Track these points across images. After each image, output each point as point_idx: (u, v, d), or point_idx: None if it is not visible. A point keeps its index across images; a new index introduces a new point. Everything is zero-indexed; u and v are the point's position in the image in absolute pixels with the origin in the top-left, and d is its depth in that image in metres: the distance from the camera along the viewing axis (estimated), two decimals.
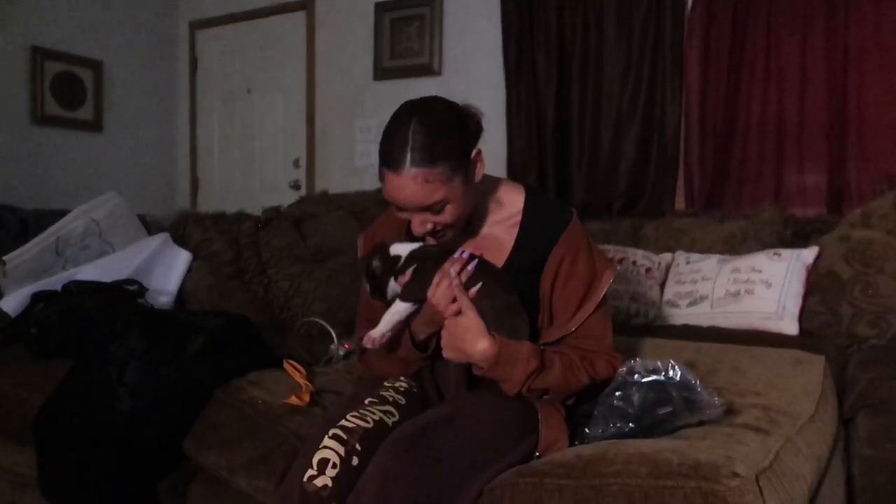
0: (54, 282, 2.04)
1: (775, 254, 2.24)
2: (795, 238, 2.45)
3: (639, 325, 2.33)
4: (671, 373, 1.23)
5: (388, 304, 1.29)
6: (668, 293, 2.42)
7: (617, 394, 1.25)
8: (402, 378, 1.35)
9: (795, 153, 2.85)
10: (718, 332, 2.11)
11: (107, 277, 2.04)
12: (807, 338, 2.04)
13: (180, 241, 2.40)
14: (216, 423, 1.44)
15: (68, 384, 1.57)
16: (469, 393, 1.29)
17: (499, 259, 1.32)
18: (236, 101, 4.47)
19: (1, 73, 3.70)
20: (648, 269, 2.49)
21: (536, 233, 1.34)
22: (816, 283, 2.15)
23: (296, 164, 4.24)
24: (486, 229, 1.37)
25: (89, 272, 2.11)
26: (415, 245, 1.29)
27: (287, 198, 3.72)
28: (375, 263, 1.27)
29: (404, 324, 1.29)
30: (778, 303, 2.12)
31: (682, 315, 2.33)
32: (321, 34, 4.08)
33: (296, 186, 4.20)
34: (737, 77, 2.92)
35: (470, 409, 1.19)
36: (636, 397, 1.24)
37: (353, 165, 3.99)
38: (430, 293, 1.22)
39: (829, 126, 2.76)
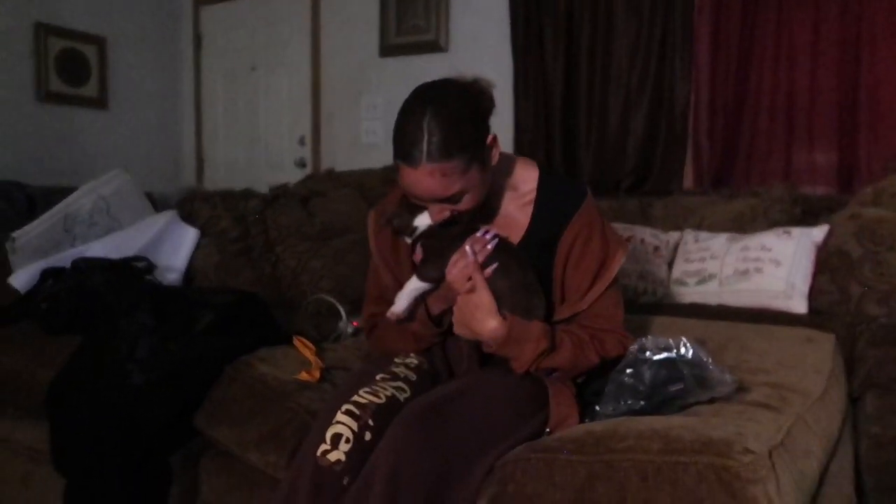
0: (63, 258, 2.04)
1: (785, 232, 2.23)
2: (805, 216, 2.43)
3: (647, 303, 2.33)
4: (682, 350, 1.23)
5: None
6: (677, 271, 2.41)
7: (628, 371, 1.25)
8: (412, 354, 1.35)
9: (806, 131, 2.82)
10: (727, 311, 2.11)
11: (115, 254, 2.05)
12: (816, 316, 2.04)
13: (187, 218, 2.39)
14: (226, 398, 1.44)
15: (78, 359, 1.58)
16: (480, 369, 1.30)
17: (514, 237, 1.33)
18: (241, 79, 4.43)
19: (5, 50, 3.66)
20: (656, 248, 2.48)
21: (551, 210, 1.34)
22: (826, 262, 2.14)
23: (301, 141, 4.22)
24: (502, 208, 1.37)
25: (97, 249, 2.11)
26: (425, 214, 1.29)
27: (292, 176, 3.70)
28: (396, 215, 1.29)
29: (421, 299, 1.31)
30: (787, 281, 2.11)
31: (690, 293, 2.32)
32: (326, 11, 4.03)
33: (301, 164, 4.18)
34: (747, 54, 2.88)
35: (481, 385, 1.20)
36: (647, 375, 1.24)
37: (358, 143, 3.97)
38: (447, 270, 1.23)
39: (840, 103, 2.73)
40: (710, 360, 1.21)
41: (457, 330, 1.25)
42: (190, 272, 2.28)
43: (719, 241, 2.36)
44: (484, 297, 1.19)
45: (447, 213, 1.24)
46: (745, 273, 2.19)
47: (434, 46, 3.63)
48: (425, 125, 1.15)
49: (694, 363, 1.21)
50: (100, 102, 4.11)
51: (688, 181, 3.08)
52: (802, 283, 2.11)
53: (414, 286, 1.28)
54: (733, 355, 1.52)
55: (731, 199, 2.62)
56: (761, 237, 2.25)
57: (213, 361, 1.49)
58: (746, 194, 2.60)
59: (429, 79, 1.27)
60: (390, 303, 1.33)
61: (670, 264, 2.47)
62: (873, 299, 2.00)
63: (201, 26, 4.54)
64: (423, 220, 1.28)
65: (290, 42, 4.20)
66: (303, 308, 2.10)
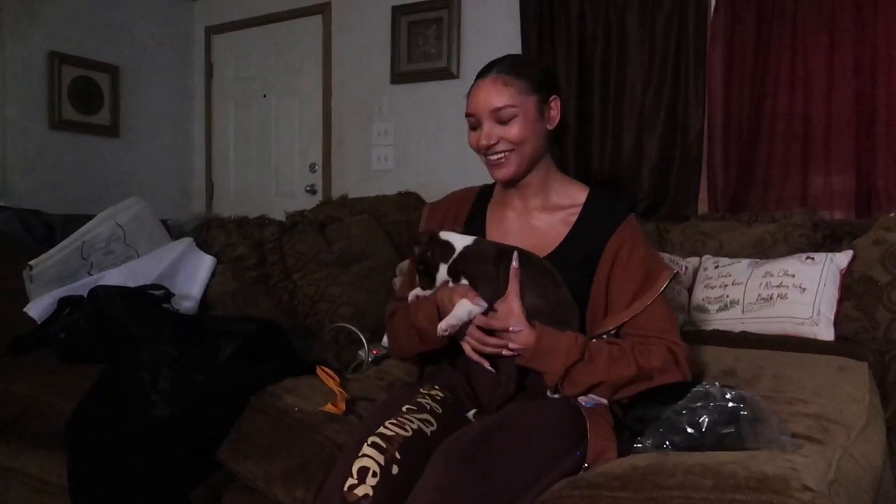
0: (80, 286, 2.02)
1: (808, 257, 2.20)
2: (826, 241, 2.40)
3: None
4: (745, 402, 1.17)
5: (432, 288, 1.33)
6: (697, 298, 2.38)
7: (684, 412, 1.20)
8: (436, 386, 1.33)
9: (822, 156, 2.80)
10: (752, 338, 2.06)
11: (132, 282, 2.03)
12: (844, 344, 2.00)
13: (203, 245, 2.38)
14: (252, 431, 1.41)
15: (100, 390, 1.55)
16: (516, 400, 1.27)
17: (544, 250, 1.34)
18: (252, 106, 4.46)
19: (19, 79, 3.69)
20: (676, 273, 2.45)
21: (593, 225, 1.37)
22: (851, 288, 2.10)
23: (311, 168, 4.23)
24: (541, 216, 1.40)
25: (114, 277, 2.10)
26: (468, 239, 1.30)
27: (303, 203, 3.70)
28: (425, 250, 1.29)
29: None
30: (813, 308, 2.08)
31: (712, 320, 2.29)
32: (338, 38, 4.07)
33: (312, 191, 4.18)
34: (762, 78, 2.88)
35: (519, 419, 1.17)
36: (705, 420, 1.17)
37: (369, 169, 3.97)
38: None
39: (857, 128, 2.72)
40: (774, 417, 1.16)
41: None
42: (206, 300, 2.26)
43: (740, 266, 2.34)
44: (515, 305, 1.22)
45: (494, 140, 1.32)
46: (769, 299, 2.16)
47: (446, 73, 3.65)
48: (502, 57, 1.38)
49: (756, 418, 1.16)
50: (112, 130, 4.13)
51: (703, 206, 3.06)
52: (828, 309, 2.08)
53: (467, 310, 1.25)
54: (768, 385, 1.49)
55: (750, 225, 2.59)
56: (784, 263, 2.22)
57: (237, 392, 1.46)
58: (765, 219, 2.58)
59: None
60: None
61: (690, 290, 2.44)
62: None
63: (213, 54, 4.58)
64: (458, 241, 1.28)
65: (301, 69, 4.23)
66: (324, 336, 2.07)
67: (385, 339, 1.99)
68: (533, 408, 1.22)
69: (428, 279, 1.31)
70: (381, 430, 1.13)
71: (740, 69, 2.92)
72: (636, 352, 1.26)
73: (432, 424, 1.19)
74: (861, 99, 2.69)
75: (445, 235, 1.31)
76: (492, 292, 1.25)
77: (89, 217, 2.20)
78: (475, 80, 1.37)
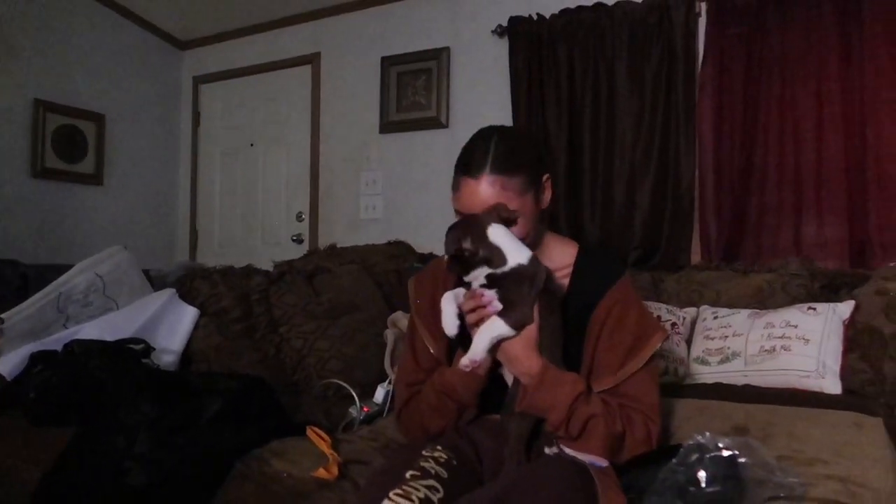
0: (54, 341, 1.93)
1: (810, 308, 2.16)
2: (823, 291, 2.37)
3: (667, 383, 2.21)
4: (742, 450, 1.12)
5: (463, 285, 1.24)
6: (697, 349, 2.32)
7: (681, 469, 1.14)
8: (440, 448, 1.24)
9: (814, 205, 2.79)
10: (757, 392, 2.00)
11: (110, 336, 1.93)
12: (852, 398, 1.94)
13: (186, 296, 2.28)
14: (237, 500, 1.30)
15: (70, 455, 1.43)
16: (522, 466, 1.19)
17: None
18: (239, 155, 4.42)
19: (3, 126, 3.64)
20: (674, 325, 2.40)
21: (586, 284, 1.32)
22: (855, 339, 2.06)
23: (298, 217, 4.17)
24: None
25: (91, 330, 2.00)
26: (523, 255, 1.19)
27: (289, 252, 3.63)
28: (471, 246, 1.17)
29: (494, 349, 1.23)
30: (818, 360, 2.03)
31: (713, 373, 2.22)
32: (326, 88, 4.07)
33: (298, 241, 4.12)
34: (752, 128, 2.89)
35: (528, 482, 1.08)
36: (702, 474, 1.12)
37: (357, 219, 3.93)
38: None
39: (848, 177, 2.72)
40: (775, 462, 1.10)
41: (499, 356, 1.22)
42: (188, 354, 2.15)
43: (740, 317, 2.29)
44: (533, 331, 1.19)
45: None
46: (772, 351, 2.10)
47: (435, 123, 3.65)
48: (493, 143, 1.23)
49: (757, 465, 1.10)
50: (95, 178, 4.07)
51: (695, 256, 3.03)
52: (834, 361, 2.03)
53: (498, 332, 1.18)
54: (783, 443, 1.42)
55: (747, 274, 2.56)
56: (786, 313, 2.18)
57: (222, 456, 1.35)
58: (762, 269, 2.55)
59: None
60: (430, 371, 1.34)
61: (689, 342, 2.39)
62: None
63: (200, 103, 4.57)
64: (511, 253, 1.18)
65: (289, 119, 4.22)
66: (312, 392, 1.97)
67: (378, 395, 1.90)
68: (541, 472, 1.13)
69: (460, 270, 1.20)
70: (386, 502, 1.05)
71: (730, 119, 2.93)
72: (622, 413, 1.23)
73: (439, 491, 1.11)
74: (851, 148, 2.71)
75: (497, 238, 1.17)
76: (523, 315, 1.18)
77: (68, 267, 2.11)
78: (462, 176, 1.23)
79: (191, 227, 4.58)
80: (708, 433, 1.13)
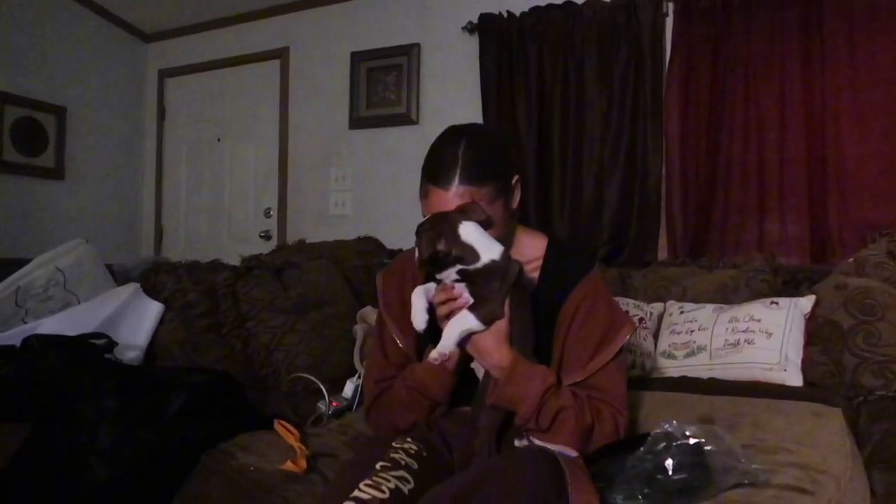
0: (12, 335, 1.88)
1: (773, 302, 2.20)
2: (786, 286, 2.42)
3: (634, 377, 2.24)
4: (708, 437, 1.14)
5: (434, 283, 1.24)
6: (663, 344, 2.35)
7: (649, 457, 1.16)
8: (409, 439, 1.24)
9: (777, 203, 2.85)
10: (722, 385, 2.03)
11: (71, 330, 1.88)
12: (813, 389, 1.98)
13: (151, 291, 2.24)
14: (203, 493, 1.28)
15: (29, 452, 1.39)
16: (493, 458, 1.19)
17: None
18: (205, 149, 4.35)
19: None
20: (641, 319, 2.43)
21: (556, 278, 1.32)
22: (816, 333, 2.11)
23: (266, 213, 4.12)
24: None
25: (51, 325, 1.95)
26: (494, 250, 1.19)
27: (256, 248, 3.58)
28: (445, 247, 1.16)
29: (462, 344, 1.23)
30: (780, 353, 2.07)
31: (679, 367, 2.25)
32: (295, 83, 4.03)
33: (266, 237, 4.07)
34: (717, 128, 2.94)
35: (498, 474, 1.08)
36: (669, 462, 1.14)
37: (326, 215, 3.90)
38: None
39: (809, 175, 2.78)
40: (740, 449, 1.13)
41: (470, 349, 1.22)
42: (152, 350, 2.12)
43: (706, 312, 2.32)
44: (504, 324, 1.19)
45: None
46: (736, 345, 2.14)
47: (405, 119, 3.64)
48: (461, 151, 1.20)
49: (722, 452, 1.12)
50: (56, 173, 3.97)
51: (662, 252, 3.08)
52: (795, 354, 2.07)
53: (468, 326, 1.18)
54: (748, 433, 1.45)
55: (711, 270, 2.60)
56: (749, 308, 2.22)
57: (186, 450, 1.33)
58: (726, 265, 2.59)
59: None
60: (400, 366, 1.34)
61: (656, 336, 2.42)
62: (868, 371, 1.96)
63: (166, 97, 4.49)
64: (483, 250, 1.19)
65: (257, 114, 4.17)
66: (280, 387, 1.95)
67: (346, 390, 1.89)
68: (511, 462, 1.14)
69: (434, 270, 1.20)
70: (357, 493, 1.05)
71: (695, 119, 2.98)
72: (591, 406, 1.24)
73: (409, 482, 1.11)
74: (812, 148, 2.77)
75: (469, 236, 1.16)
76: (493, 310, 1.19)
77: (26, 261, 2.05)
78: (431, 185, 1.21)
79: (156, 223, 4.49)
80: (675, 421, 1.15)
